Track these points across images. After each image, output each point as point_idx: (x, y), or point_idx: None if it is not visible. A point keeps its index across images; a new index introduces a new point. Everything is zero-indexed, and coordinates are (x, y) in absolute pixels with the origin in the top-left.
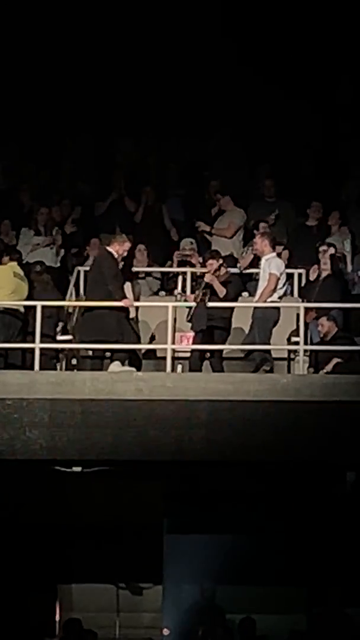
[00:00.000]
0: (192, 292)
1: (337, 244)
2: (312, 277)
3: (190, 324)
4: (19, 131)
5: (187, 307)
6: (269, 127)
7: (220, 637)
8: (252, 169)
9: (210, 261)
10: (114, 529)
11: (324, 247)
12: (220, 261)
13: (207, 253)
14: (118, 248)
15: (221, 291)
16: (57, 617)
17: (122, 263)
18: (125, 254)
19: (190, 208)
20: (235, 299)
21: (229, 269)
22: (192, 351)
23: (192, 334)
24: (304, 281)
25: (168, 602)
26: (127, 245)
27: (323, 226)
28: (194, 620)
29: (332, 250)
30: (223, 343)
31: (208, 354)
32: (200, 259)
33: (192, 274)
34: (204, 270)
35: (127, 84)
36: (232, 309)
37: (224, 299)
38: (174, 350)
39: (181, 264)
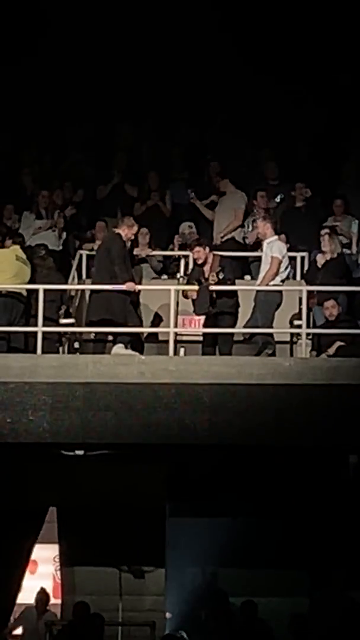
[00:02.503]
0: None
1: (344, 227)
2: (319, 264)
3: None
4: (20, 115)
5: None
6: (269, 110)
7: (222, 620)
8: (254, 152)
9: (197, 248)
10: (116, 512)
11: (327, 230)
12: (207, 249)
13: (194, 241)
14: (127, 232)
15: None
16: (58, 601)
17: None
18: (132, 237)
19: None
20: (234, 283)
21: (219, 253)
22: (205, 335)
23: (194, 317)
24: (306, 264)
25: (170, 585)
26: (135, 229)
27: (311, 207)
28: (196, 603)
29: (331, 237)
30: (231, 327)
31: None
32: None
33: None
34: (195, 255)
35: (128, 68)
36: (237, 294)
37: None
38: (176, 334)
39: (182, 247)
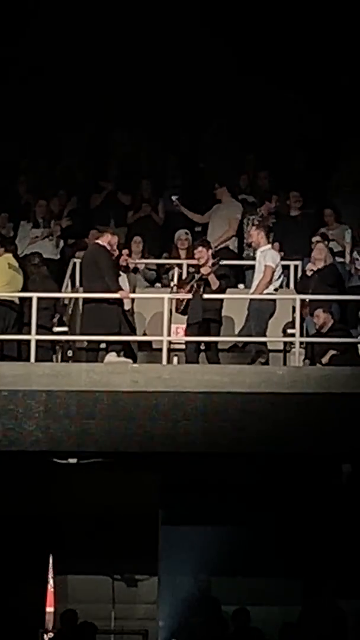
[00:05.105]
0: (185, 283)
1: (337, 236)
2: (309, 272)
3: (184, 316)
4: (16, 123)
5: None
6: (264, 117)
7: (215, 628)
8: (249, 159)
9: (199, 248)
10: (109, 520)
11: (317, 239)
12: (210, 251)
13: (198, 241)
14: (110, 239)
15: (215, 284)
16: (51, 609)
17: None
18: (115, 245)
19: (187, 199)
20: (225, 290)
21: (218, 259)
22: (187, 343)
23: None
24: (299, 273)
25: (163, 593)
26: (116, 239)
27: (307, 216)
28: (189, 611)
29: (323, 245)
30: (216, 335)
31: (203, 346)
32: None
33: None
34: (193, 262)
35: (123, 75)
36: (222, 300)
37: (216, 291)
38: (169, 342)
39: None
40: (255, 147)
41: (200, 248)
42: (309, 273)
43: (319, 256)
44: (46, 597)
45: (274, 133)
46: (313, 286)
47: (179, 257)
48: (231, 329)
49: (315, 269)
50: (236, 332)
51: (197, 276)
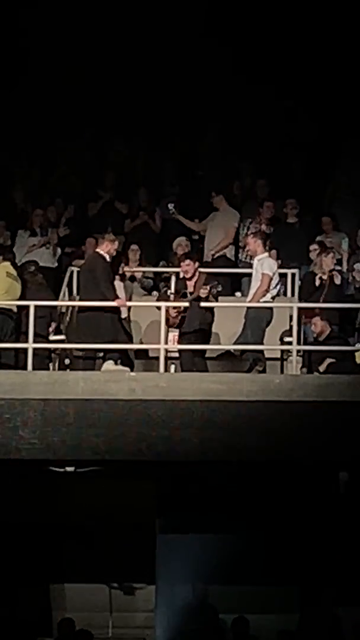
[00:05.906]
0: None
1: (335, 244)
2: (317, 282)
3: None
4: (11, 130)
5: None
6: (261, 126)
7: (212, 637)
8: (245, 168)
9: (186, 261)
10: (106, 528)
11: (315, 247)
12: (197, 264)
13: (182, 254)
14: (110, 248)
15: (211, 302)
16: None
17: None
18: (115, 252)
19: (185, 207)
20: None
21: (217, 284)
22: (182, 351)
23: None
24: (297, 281)
25: (161, 602)
26: (117, 244)
27: (305, 223)
28: (186, 620)
29: (330, 255)
30: (207, 343)
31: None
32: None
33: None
34: (184, 268)
35: (120, 83)
36: (213, 312)
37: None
38: (167, 350)
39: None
40: (253, 154)
41: (187, 261)
42: (317, 282)
43: (331, 265)
44: (48, 604)
45: (271, 140)
46: (324, 299)
47: (178, 264)
48: (227, 336)
49: (324, 279)
50: (231, 340)
51: (189, 295)
